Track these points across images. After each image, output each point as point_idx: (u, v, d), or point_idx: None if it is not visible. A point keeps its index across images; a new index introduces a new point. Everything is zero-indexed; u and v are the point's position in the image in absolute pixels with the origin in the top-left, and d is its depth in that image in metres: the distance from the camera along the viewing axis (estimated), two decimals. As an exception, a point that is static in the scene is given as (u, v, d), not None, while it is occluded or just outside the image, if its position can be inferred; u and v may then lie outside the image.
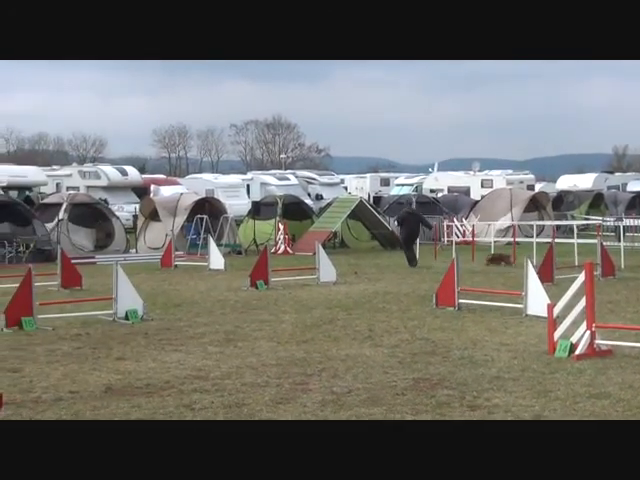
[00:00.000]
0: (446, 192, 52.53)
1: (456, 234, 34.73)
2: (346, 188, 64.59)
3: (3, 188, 48.60)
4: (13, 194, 45.00)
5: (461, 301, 17.30)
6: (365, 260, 29.52)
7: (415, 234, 28.71)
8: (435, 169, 67.23)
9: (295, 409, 9.77)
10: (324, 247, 25.07)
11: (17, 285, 16.14)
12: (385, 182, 66.76)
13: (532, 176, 60.87)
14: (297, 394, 10.50)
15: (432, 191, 53.15)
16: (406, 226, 28.67)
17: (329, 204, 38.86)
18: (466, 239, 34.22)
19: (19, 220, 31.58)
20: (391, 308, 17.79)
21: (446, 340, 14.04)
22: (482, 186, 54.43)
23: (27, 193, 50.08)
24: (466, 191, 52.86)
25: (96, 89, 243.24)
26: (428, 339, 14.17)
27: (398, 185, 63.14)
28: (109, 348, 13.64)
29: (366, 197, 47.77)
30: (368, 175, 70.46)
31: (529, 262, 16.29)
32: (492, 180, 55.65)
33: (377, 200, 50.82)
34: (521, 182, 55.98)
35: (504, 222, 36.05)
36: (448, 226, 35.70)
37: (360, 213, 35.74)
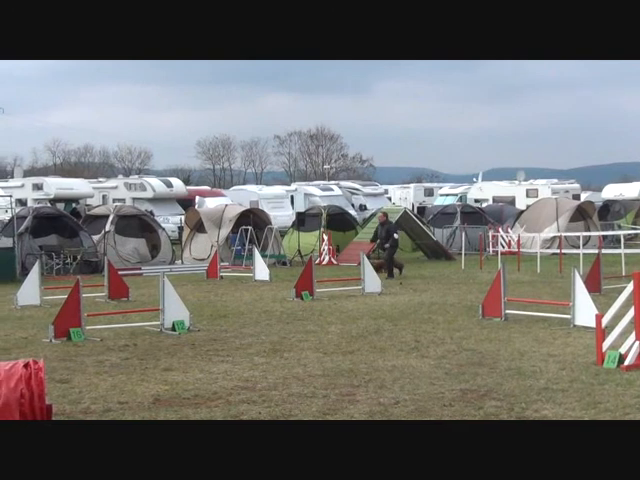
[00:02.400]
0: (491, 202, 52.32)
1: (501, 244, 34.53)
2: (390, 198, 64.52)
3: (50, 200, 49.17)
4: (60, 206, 45.48)
5: (508, 312, 17.21)
6: (410, 270, 29.43)
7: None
8: (479, 179, 66.94)
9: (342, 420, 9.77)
10: (368, 257, 25.04)
11: (65, 296, 16.28)
12: (429, 192, 66.61)
13: (578, 185, 60.44)
14: (344, 405, 10.50)
15: (477, 201, 52.96)
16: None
17: (373, 214, 38.84)
18: (511, 249, 34.03)
19: (66, 232, 31.87)
20: (437, 319, 17.74)
21: (493, 351, 13.97)
22: (527, 196, 54.11)
23: (74, 205, 50.60)
24: (511, 201, 52.61)
25: (141, 102, 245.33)
26: (475, 350, 14.11)
27: (442, 195, 62.94)
28: (157, 359, 13.72)
29: (410, 207, 47.70)
30: (412, 185, 70.40)
31: (576, 272, 16.17)
32: (537, 190, 55.30)
33: (421, 210, 50.74)
34: (566, 191, 55.61)
35: (550, 232, 35.82)
36: (493, 236, 35.51)
37: (404, 223, 35.65)
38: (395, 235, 28.63)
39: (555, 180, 61.55)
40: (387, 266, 27.42)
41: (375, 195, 61.55)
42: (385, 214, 29.80)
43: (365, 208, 55.44)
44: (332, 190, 58.31)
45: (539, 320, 16.79)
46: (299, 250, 34.08)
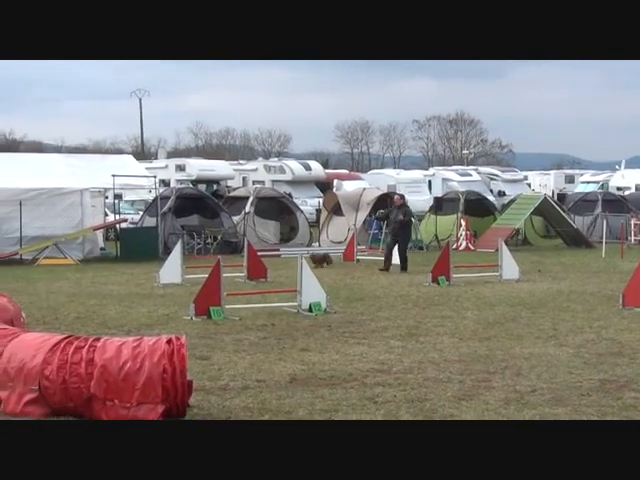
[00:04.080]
0: (634, 190, 51.07)
1: (644, 233, 33.74)
2: (529, 185, 63.61)
3: (192, 181, 50.19)
4: (202, 187, 46.42)
5: (650, 302, 16.83)
6: (549, 258, 29.03)
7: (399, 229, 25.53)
8: (622, 166, 65.40)
9: (478, 406, 9.75)
10: (507, 244, 24.79)
11: (205, 276, 16.64)
12: (570, 179, 65.44)
13: None
14: (480, 391, 10.47)
15: (619, 189, 51.76)
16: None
17: (512, 201, 38.40)
18: (655, 238, 33.21)
19: (208, 213, 32.59)
20: (576, 307, 17.46)
21: (634, 341, 13.69)
22: (672, 184, 52.64)
23: (215, 186, 51.54)
24: (655, 189, 51.26)
25: (281, 86, 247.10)
26: (614, 340, 13.85)
27: (583, 182, 61.75)
28: (294, 339, 13.91)
29: (550, 194, 46.96)
30: (552, 172, 69.25)
31: None
32: (683, 178, 53.74)
33: (561, 197, 49.89)
34: None
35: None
36: (636, 225, 34.70)
37: (544, 210, 35.17)
38: (411, 219, 26.29)
39: (702, 168, 59.68)
40: (401, 257, 24.82)
41: (514, 181, 60.75)
42: (402, 196, 26.71)
43: (504, 194, 54.78)
44: (470, 175, 57.83)
45: (682, 312, 16.37)
46: (436, 235, 33.97)
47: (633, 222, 35.03)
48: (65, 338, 9.51)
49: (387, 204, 33.65)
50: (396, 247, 25.06)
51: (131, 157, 35.62)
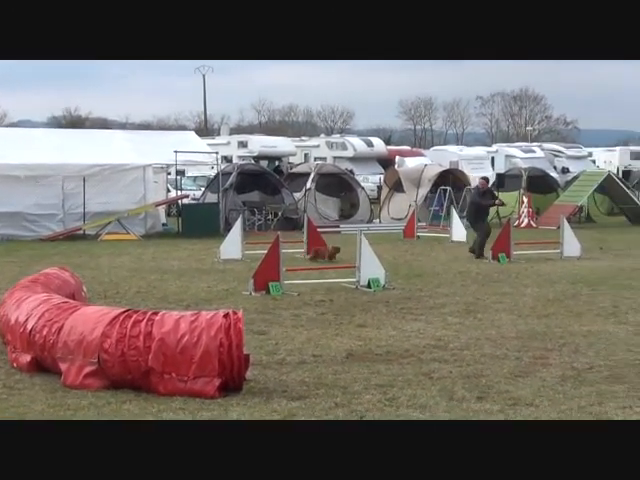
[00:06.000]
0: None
1: None
2: (594, 161, 62.82)
3: (254, 158, 50.37)
4: (264, 163, 46.56)
5: None
6: (612, 235, 28.72)
7: (470, 213, 23.63)
8: (690, 142, 64.28)
9: (534, 383, 9.72)
10: (569, 221, 24.56)
11: (265, 251, 16.72)
12: (635, 156, 64.39)
13: None
14: (536, 368, 10.43)
15: (686, 165, 50.93)
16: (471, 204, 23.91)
17: (575, 177, 37.99)
18: None
19: (269, 189, 32.70)
20: (637, 285, 17.27)
21: (696, 320, 13.54)
22: None
23: (277, 163, 51.66)
24: None
25: (344, 62, 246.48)
26: (676, 318, 13.70)
27: (650, 159, 60.84)
28: (351, 315, 13.95)
29: (615, 171, 46.33)
30: (618, 148, 68.19)
31: None
32: None
33: (626, 174, 49.20)
34: None
35: None
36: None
37: (608, 187, 34.75)
38: (496, 201, 23.77)
39: None
40: (479, 246, 22.23)
41: (578, 158, 59.94)
42: (486, 179, 24.11)
43: (568, 171, 54.11)
44: (534, 152, 57.19)
45: None
46: (498, 212, 33.74)
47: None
48: (124, 312, 9.64)
49: (449, 181, 33.57)
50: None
51: (193, 133, 35.84)
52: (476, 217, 22.93)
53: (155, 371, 9.16)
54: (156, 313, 9.57)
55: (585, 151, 64.01)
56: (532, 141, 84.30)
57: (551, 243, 22.87)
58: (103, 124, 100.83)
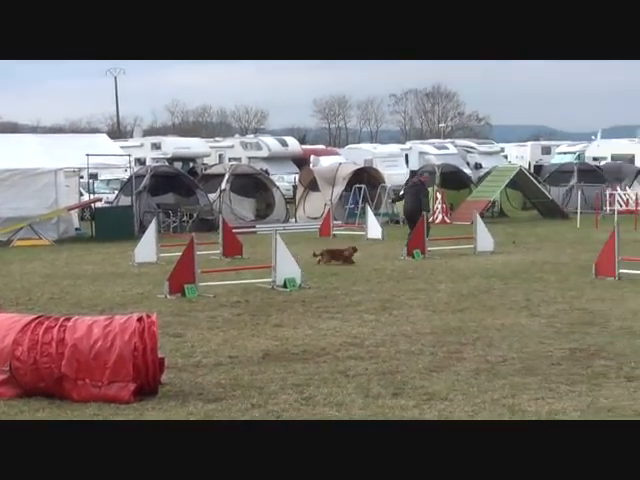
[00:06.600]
0: (609, 160, 51.22)
1: (619, 203, 33.89)
2: (506, 157, 63.70)
3: (168, 159, 50.06)
4: (178, 165, 46.28)
5: (622, 271, 16.95)
6: (524, 229, 29.17)
7: (411, 211, 23.85)
8: (598, 137, 65.53)
9: (449, 377, 9.82)
10: (482, 216, 24.87)
11: (180, 254, 16.61)
12: (546, 150, 65.51)
13: (701, 142, 58.56)
14: (451, 362, 10.54)
15: (595, 159, 51.89)
16: (408, 199, 24.10)
17: (488, 173, 38.50)
18: (629, 208, 33.36)
19: (183, 191, 32.52)
20: (549, 278, 17.57)
21: (605, 310, 13.81)
22: (647, 153, 52.72)
23: (191, 164, 51.41)
24: (630, 159, 51.37)
25: (258, 61, 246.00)
26: (586, 309, 13.96)
27: (560, 153, 61.87)
28: (267, 315, 13.94)
29: (527, 166, 47.05)
30: (529, 143, 69.26)
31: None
32: (658, 147, 53.82)
33: (538, 169, 50.00)
34: (690, 148, 53.93)
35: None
36: (611, 195, 34.86)
37: (520, 182, 35.28)
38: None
39: (678, 136, 59.78)
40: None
41: (491, 153, 60.79)
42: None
43: (480, 166, 54.85)
44: (447, 148, 57.84)
45: (654, 280, 16.49)
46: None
47: (608, 192, 35.19)
48: (36, 318, 9.50)
49: (363, 179, 33.76)
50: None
51: (105, 136, 35.43)
52: (419, 214, 22.69)
53: (68, 377, 9.05)
54: (69, 319, 9.45)
55: (497, 147, 64.94)
56: (445, 138, 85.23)
57: (465, 238, 23.13)
58: (13, 128, 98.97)
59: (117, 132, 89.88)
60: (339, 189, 33.55)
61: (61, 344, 9.10)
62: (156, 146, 53.74)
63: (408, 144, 62.53)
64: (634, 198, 33.40)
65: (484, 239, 22.35)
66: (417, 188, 23.94)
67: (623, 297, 15.02)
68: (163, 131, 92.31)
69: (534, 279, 17.48)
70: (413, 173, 36.59)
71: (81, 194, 32.27)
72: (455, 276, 18.15)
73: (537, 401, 8.80)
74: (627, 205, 34.28)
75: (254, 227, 30.82)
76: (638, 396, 8.95)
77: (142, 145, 54.19)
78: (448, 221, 32.50)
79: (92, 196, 31.74)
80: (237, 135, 69.64)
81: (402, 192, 24.27)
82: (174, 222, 30.69)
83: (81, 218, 32.56)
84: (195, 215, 31.15)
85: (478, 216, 23.08)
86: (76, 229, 29.83)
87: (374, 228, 26.89)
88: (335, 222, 29.30)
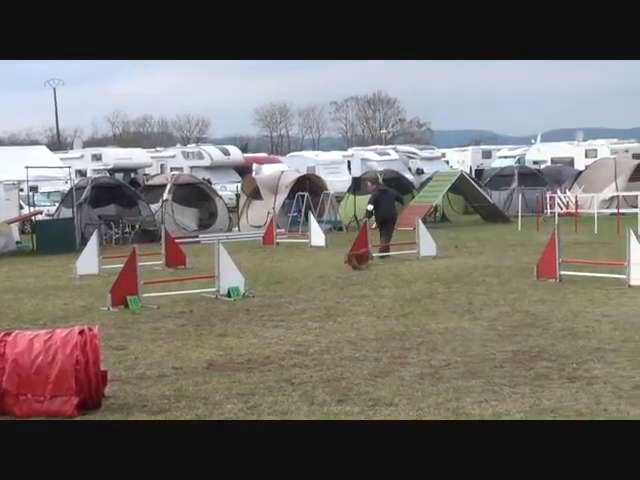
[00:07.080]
0: (549, 163, 51.81)
1: (559, 205, 34.24)
2: (448, 162, 64.14)
3: (109, 170, 49.70)
4: (119, 176, 45.97)
5: (563, 273, 17.14)
6: (466, 234, 29.38)
7: (392, 214, 24.67)
8: (538, 140, 66.25)
9: (393, 382, 9.86)
10: (424, 221, 25.00)
11: (123, 265, 16.49)
12: (487, 155, 66.08)
13: (638, 144, 59.45)
14: (395, 367, 10.58)
15: (535, 162, 52.45)
16: (382, 206, 24.05)
17: (429, 178, 38.70)
18: (569, 211, 33.72)
19: (125, 201, 32.27)
20: (491, 281, 17.71)
21: (546, 312, 13.95)
22: (586, 156, 53.44)
23: (132, 175, 51.10)
24: (570, 162, 52.03)
25: (198, 71, 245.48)
26: (528, 311, 14.09)
27: (500, 157, 62.47)
28: (211, 325, 13.90)
29: (468, 170, 47.40)
30: (470, 148, 69.85)
31: (631, 231, 16.05)
32: (596, 150, 54.59)
33: (479, 173, 50.39)
34: (626, 151, 54.74)
35: (608, 193, 35.43)
36: (551, 197, 35.22)
37: (461, 187, 35.53)
38: (369, 207, 24.21)
39: (615, 140, 60.67)
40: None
41: (432, 159, 61.16)
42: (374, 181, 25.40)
43: (422, 172, 55.09)
44: (389, 154, 58.05)
45: (594, 281, 16.68)
46: (355, 215, 34.08)
47: (548, 195, 35.53)
48: (-25, 334, 9.37)
49: (306, 186, 33.76)
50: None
51: (44, 148, 35.13)
52: (395, 217, 23.76)
53: (10, 393, 8.94)
54: (9, 334, 9.34)
55: (438, 152, 65.35)
56: (387, 144, 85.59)
57: (408, 244, 23.24)
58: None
59: (57, 144, 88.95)
60: (282, 197, 33.53)
61: (1, 359, 8.99)
62: (97, 157, 53.38)
63: (350, 151, 62.70)
64: (574, 200, 33.76)
65: (427, 244, 22.48)
66: (390, 193, 24.82)
67: (564, 299, 15.19)
68: (104, 142, 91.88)
69: (476, 283, 17.62)
70: (357, 180, 36.57)
71: (21, 207, 31.89)
72: (399, 281, 18.23)
73: (481, 404, 8.87)
74: (567, 208, 34.60)
75: (197, 237, 30.70)
76: (580, 397, 9.05)
77: (82, 156, 53.79)
78: (391, 227, 32.55)
79: (32, 209, 31.37)
80: (179, 145, 69.35)
81: (371, 202, 24.16)
82: (116, 233, 30.45)
83: (22, 231, 32.16)
84: (137, 226, 30.93)
85: (420, 221, 23.21)
86: (17, 242, 29.48)
87: (317, 235, 26.92)
88: (278, 230, 29.29)
